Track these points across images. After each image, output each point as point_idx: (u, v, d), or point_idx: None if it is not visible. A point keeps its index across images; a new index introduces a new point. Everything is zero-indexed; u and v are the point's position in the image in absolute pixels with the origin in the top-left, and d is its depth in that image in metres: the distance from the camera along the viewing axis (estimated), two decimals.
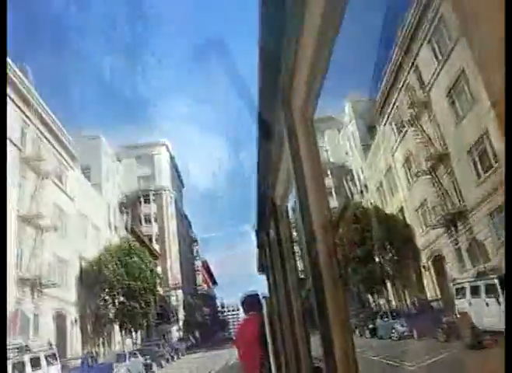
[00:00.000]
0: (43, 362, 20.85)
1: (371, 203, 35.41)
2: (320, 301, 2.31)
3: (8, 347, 16.84)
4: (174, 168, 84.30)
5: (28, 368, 18.82)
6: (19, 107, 31.88)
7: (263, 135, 3.35)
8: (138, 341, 49.21)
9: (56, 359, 22.85)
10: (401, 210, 30.41)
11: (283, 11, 2.09)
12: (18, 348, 19.33)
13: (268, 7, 2.11)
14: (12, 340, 20.07)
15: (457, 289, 14.06)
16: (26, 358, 19.21)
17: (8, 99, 28.76)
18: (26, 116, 33.04)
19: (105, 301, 39.74)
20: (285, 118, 2.60)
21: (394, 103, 29.67)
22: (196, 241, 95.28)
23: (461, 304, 12.81)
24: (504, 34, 0.96)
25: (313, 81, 2.23)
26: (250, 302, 6.85)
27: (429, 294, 21.57)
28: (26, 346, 20.22)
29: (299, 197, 2.52)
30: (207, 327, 78.18)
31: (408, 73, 27.69)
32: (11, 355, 17.91)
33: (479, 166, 21.14)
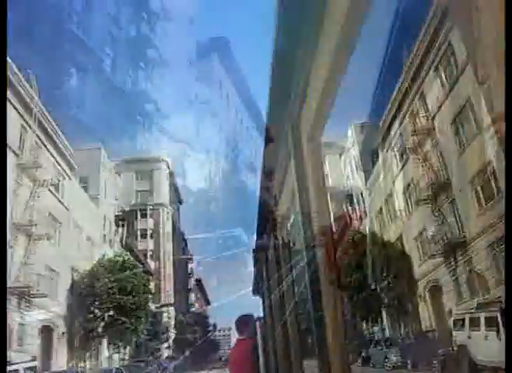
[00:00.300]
0: None
1: (369, 230, 35.07)
2: (319, 327, 2.23)
3: None
4: (173, 185, 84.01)
5: None
6: (18, 112, 31.70)
7: (269, 158, 3.38)
8: (127, 357, 48.52)
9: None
10: (400, 237, 30.08)
11: (297, 36, 2.10)
12: None
13: (282, 33, 2.11)
14: None
15: (454, 320, 13.63)
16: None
17: (8, 102, 28.55)
18: (26, 122, 32.84)
19: (94, 314, 39.12)
20: (293, 139, 2.55)
21: (397, 130, 29.51)
22: (191, 259, 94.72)
23: (458, 336, 12.38)
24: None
25: (322, 106, 2.24)
26: (245, 324, 6.70)
27: (425, 325, 21.12)
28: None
29: (302, 221, 2.49)
30: (197, 347, 77.26)
31: (413, 101, 27.57)
32: None
33: (481, 196, 20.87)
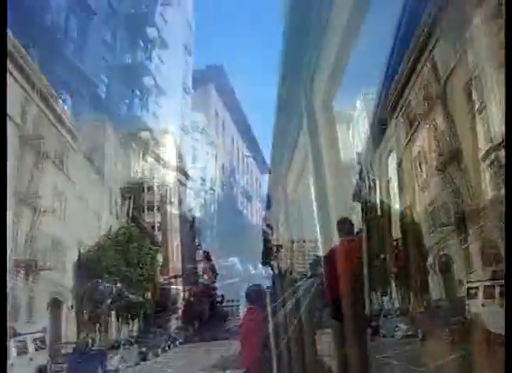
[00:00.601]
0: (31, 347, 20.45)
1: (379, 200, 34.78)
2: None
3: None
4: (180, 158, 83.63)
5: (13, 353, 18.39)
6: (20, 84, 31.30)
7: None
8: (135, 329, 48.81)
9: (44, 344, 22.42)
10: (410, 207, 29.82)
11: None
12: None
13: None
14: None
15: (468, 289, 13.25)
16: (12, 342, 18.71)
17: (9, 74, 28.12)
18: (28, 94, 32.45)
19: (102, 287, 39.19)
20: (306, 106, 2.40)
21: (407, 97, 29.03)
22: (199, 231, 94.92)
23: (472, 305, 12.02)
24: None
25: (335, 74, 2.04)
26: (254, 293, 6.84)
27: (436, 294, 20.88)
28: (13, 328, 19.74)
29: (318, 197, 2.40)
30: (206, 318, 77.94)
31: (424, 65, 26.98)
32: None
33: (494, 165, 20.42)
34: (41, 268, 31.66)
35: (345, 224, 9.89)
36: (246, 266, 66.72)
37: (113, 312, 41.93)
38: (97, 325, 40.94)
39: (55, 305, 34.44)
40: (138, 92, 61.63)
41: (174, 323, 62.58)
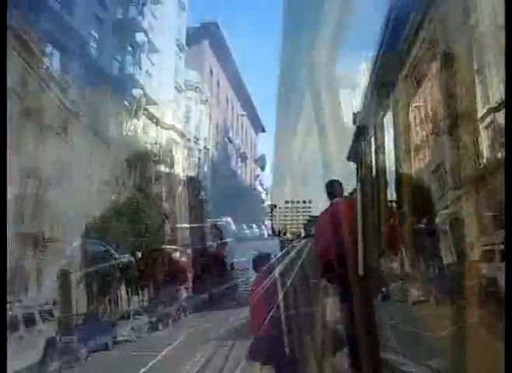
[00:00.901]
0: (39, 319, 20.57)
1: (385, 164, 34.18)
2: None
3: None
4: (174, 116, 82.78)
5: (22, 325, 18.50)
6: (19, 54, 30.78)
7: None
8: (146, 299, 49.03)
9: (53, 316, 22.54)
10: (417, 171, 29.24)
11: None
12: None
13: None
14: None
15: (482, 253, 12.95)
16: (20, 315, 18.81)
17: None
18: (28, 64, 31.98)
19: (110, 257, 39.18)
20: (308, 70, 2.07)
21: (414, 59, 28.20)
22: (206, 201, 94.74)
23: (487, 268, 11.75)
24: None
25: (337, 37, 1.72)
26: (260, 262, 7.25)
27: (449, 258, 20.53)
28: (19, 301, 19.88)
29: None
30: (215, 286, 78.14)
31: (431, 23, 26.09)
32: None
33: (503, 126, 19.77)
34: (48, 240, 31.67)
35: (333, 187, 9.44)
36: (240, 226, 66.31)
37: (122, 284, 42.04)
38: (107, 296, 41.11)
39: (64, 277, 34.48)
40: (130, 49, 60.49)
41: (184, 292, 62.84)
